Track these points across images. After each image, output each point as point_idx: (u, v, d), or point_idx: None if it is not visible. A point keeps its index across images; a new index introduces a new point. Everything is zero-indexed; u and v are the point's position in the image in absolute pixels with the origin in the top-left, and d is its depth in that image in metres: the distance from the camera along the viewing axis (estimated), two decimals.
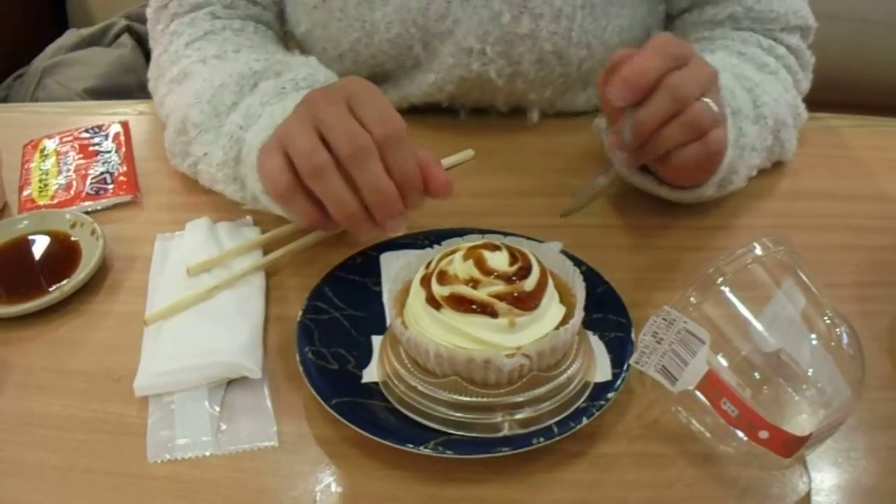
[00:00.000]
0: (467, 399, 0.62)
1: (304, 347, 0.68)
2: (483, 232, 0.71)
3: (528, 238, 0.73)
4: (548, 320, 0.63)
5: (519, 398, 0.63)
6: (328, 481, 0.62)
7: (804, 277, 0.63)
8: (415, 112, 1.01)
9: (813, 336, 0.61)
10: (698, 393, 0.59)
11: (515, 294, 0.62)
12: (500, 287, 0.62)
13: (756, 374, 0.59)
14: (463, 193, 0.89)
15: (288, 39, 1.03)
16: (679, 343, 0.59)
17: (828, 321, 0.61)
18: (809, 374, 0.59)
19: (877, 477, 0.63)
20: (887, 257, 0.82)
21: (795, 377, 0.59)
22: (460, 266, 0.63)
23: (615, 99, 0.72)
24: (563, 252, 0.71)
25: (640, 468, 0.63)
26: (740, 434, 0.59)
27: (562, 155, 0.97)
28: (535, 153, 0.97)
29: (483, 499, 0.61)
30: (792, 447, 0.57)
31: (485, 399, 0.62)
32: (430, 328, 0.63)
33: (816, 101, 1.00)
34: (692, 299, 0.60)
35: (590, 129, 0.91)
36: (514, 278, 0.63)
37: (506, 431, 0.62)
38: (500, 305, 0.61)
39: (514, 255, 0.64)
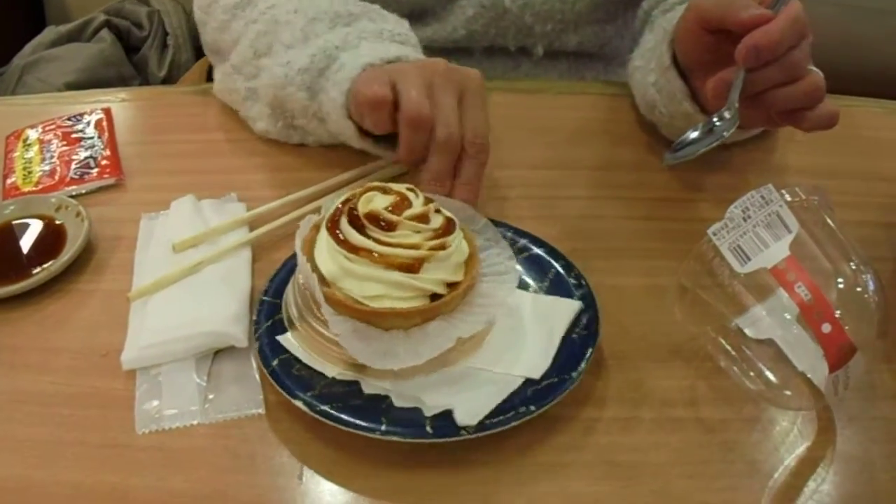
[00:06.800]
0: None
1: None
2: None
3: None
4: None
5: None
6: (314, 446, 0.62)
7: (832, 224, 0.64)
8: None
9: (840, 280, 0.62)
10: (769, 275, 0.59)
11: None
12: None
13: (787, 314, 0.61)
14: None
15: None
16: (765, 226, 0.60)
17: (854, 267, 0.63)
18: (837, 315, 0.59)
19: (861, 447, 0.63)
20: (872, 233, 0.83)
21: None
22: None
23: (742, 60, 0.73)
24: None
25: (627, 432, 0.64)
26: (770, 373, 0.62)
27: (547, 129, 0.98)
28: (527, 129, 0.99)
29: (471, 460, 0.61)
30: (843, 355, 0.59)
31: None
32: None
33: None
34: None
35: (584, 107, 1.00)
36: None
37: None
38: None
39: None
